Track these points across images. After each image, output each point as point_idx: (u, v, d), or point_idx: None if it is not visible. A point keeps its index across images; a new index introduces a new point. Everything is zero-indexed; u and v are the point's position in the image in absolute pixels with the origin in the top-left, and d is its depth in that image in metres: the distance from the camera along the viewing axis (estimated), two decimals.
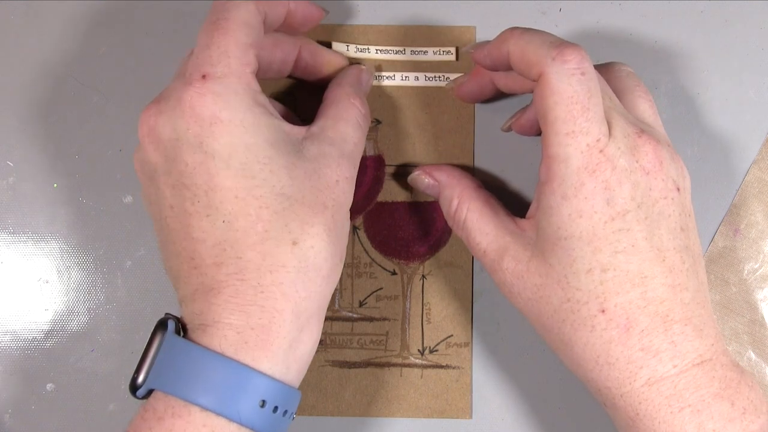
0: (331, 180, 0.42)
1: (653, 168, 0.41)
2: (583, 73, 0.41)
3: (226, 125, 0.40)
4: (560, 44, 0.41)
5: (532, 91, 0.46)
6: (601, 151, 0.40)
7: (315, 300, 0.41)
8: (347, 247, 0.50)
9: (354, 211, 0.51)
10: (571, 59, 0.40)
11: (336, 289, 0.51)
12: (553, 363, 0.51)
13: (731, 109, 0.51)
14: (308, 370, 0.50)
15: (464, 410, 0.51)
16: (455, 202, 0.46)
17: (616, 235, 0.41)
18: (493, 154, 0.51)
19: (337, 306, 0.51)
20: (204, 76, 0.40)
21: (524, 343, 0.51)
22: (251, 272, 0.40)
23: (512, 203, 0.50)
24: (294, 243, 0.40)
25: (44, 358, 0.51)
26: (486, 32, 0.51)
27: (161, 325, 0.40)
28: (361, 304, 0.51)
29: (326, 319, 0.50)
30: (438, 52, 0.51)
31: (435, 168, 0.49)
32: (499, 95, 0.50)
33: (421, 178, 0.49)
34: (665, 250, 0.41)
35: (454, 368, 0.51)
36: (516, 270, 0.43)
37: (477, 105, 0.51)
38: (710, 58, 0.51)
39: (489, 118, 0.51)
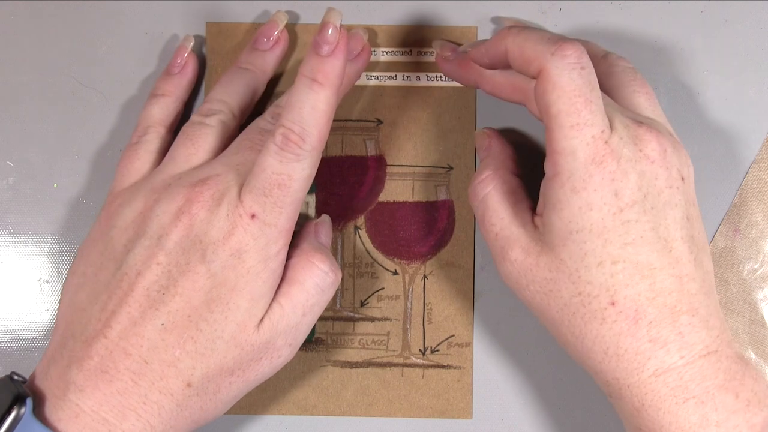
0: (258, 369, 0.43)
1: (658, 156, 0.41)
2: (582, 67, 0.41)
3: (242, 266, 0.41)
4: (558, 40, 0.41)
5: (515, 101, 0.46)
6: (606, 143, 0.41)
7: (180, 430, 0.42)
8: (349, 247, 0.51)
9: (355, 211, 0.51)
10: (570, 53, 0.41)
11: (337, 289, 0.51)
12: (554, 363, 0.51)
13: (731, 108, 0.51)
14: (310, 370, 0.51)
15: (465, 410, 0.51)
16: (485, 174, 0.46)
17: (625, 227, 0.41)
18: None
19: (338, 306, 0.51)
20: (253, 216, 0.41)
21: (525, 343, 0.51)
22: (146, 381, 0.41)
23: None
24: (189, 385, 0.41)
25: None
26: (487, 32, 0.51)
27: (18, 399, 0.40)
28: (362, 304, 0.51)
29: (327, 318, 0.51)
30: None
31: (496, 136, 0.49)
32: None
33: (482, 137, 0.49)
34: (672, 240, 0.41)
35: (455, 368, 0.51)
36: (525, 263, 0.43)
37: (478, 105, 0.51)
38: (710, 58, 0.51)
39: (490, 118, 0.51)
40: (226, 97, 0.47)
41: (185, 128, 0.46)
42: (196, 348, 0.41)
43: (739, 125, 0.51)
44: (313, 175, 0.42)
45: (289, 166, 0.41)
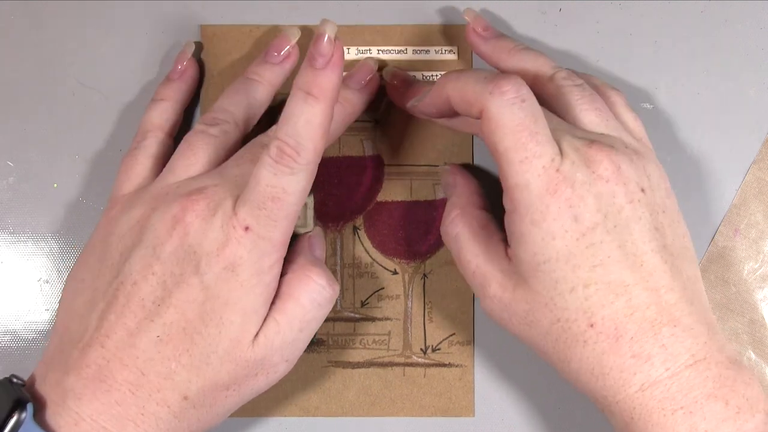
0: (254, 384, 0.43)
1: (612, 175, 0.41)
2: (523, 100, 0.40)
3: (236, 279, 0.41)
4: (494, 77, 0.41)
5: (474, 133, 0.46)
6: (557, 171, 0.40)
7: None
8: (348, 247, 0.51)
9: (354, 211, 0.51)
10: (507, 89, 0.40)
11: None
12: None
13: (731, 109, 0.51)
14: (311, 371, 0.51)
15: (467, 408, 0.51)
16: (454, 214, 0.46)
17: (590, 250, 0.41)
18: None
19: (338, 306, 0.51)
20: (247, 229, 0.41)
21: None
22: (143, 393, 0.41)
23: None
24: (185, 398, 0.41)
25: None
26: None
27: (19, 404, 0.40)
28: (362, 305, 0.51)
29: (328, 319, 0.50)
30: (440, 51, 0.51)
31: (460, 173, 0.49)
32: None
33: (446, 175, 0.49)
34: (641, 254, 0.41)
35: (456, 366, 0.51)
36: (503, 298, 0.43)
37: None
38: (710, 58, 0.51)
39: None
40: (231, 107, 0.47)
41: (187, 137, 0.46)
42: (191, 361, 0.41)
43: (739, 126, 0.51)
44: (308, 189, 0.42)
45: (283, 180, 0.41)
